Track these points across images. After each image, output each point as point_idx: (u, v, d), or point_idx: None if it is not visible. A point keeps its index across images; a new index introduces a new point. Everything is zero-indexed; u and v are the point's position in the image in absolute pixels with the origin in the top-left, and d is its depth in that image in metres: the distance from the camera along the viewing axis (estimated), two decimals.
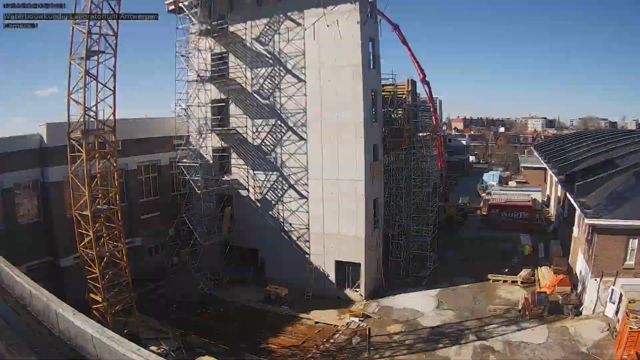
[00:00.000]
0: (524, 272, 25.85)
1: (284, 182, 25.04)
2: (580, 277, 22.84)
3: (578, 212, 22.98)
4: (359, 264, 23.56)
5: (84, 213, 16.90)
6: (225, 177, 26.98)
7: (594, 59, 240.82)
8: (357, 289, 23.78)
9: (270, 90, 24.80)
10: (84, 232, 17.09)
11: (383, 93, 26.86)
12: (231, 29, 25.64)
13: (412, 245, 27.30)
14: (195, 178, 25.28)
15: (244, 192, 26.55)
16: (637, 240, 19.99)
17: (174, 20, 25.57)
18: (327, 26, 22.53)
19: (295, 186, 24.69)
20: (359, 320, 21.17)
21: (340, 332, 20.29)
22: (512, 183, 54.90)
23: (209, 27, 25.19)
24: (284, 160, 24.87)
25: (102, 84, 16.58)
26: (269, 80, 24.79)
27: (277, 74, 24.50)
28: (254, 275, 26.49)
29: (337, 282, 24.28)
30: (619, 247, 20.11)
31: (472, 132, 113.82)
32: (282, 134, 24.72)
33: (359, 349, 18.72)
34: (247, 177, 26.30)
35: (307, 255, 24.73)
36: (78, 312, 10.57)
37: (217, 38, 25.92)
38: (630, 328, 16.10)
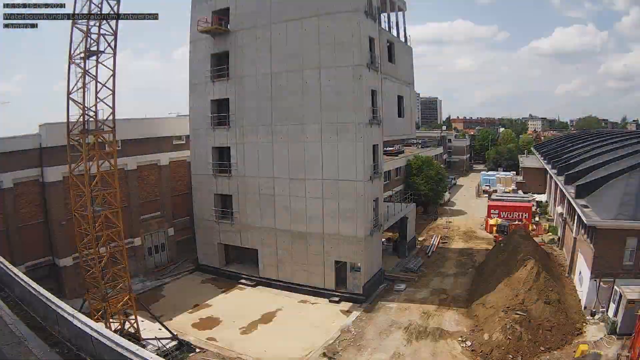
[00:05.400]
0: None
1: (283, 182, 25.01)
2: (580, 277, 22.84)
3: (578, 212, 22.97)
4: (359, 265, 23.57)
5: (84, 213, 16.91)
6: (226, 177, 27.03)
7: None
8: (357, 289, 23.77)
9: (271, 90, 24.77)
10: (83, 232, 17.10)
11: None
12: (231, 28, 25.68)
13: None
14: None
15: (244, 192, 26.53)
16: (636, 241, 20.02)
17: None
18: (327, 26, 22.55)
19: (295, 186, 24.67)
20: None
21: None
22: (511, 181, 55.06)
23: (209, 27, 25.30)
24: (283, 160, 24.85)
25: (101, 83, 16.59)
26: (269, 80, 24.75)
27: (277, 74, 24.48)
28: (253, 273, 26.52)
29: (336, 282, 24.30)
30: (618, 247, 20.13)
31: (472, 133, 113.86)
32: (282, 134, 24.70)
33: None
34: (248, 177, 26.28)
35: (306, 255, 24.72)
36: (78, 312, 10.57)
37: (217, 38, 26.00)
38: None
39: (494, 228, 36.29)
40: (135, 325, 18.46)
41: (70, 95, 16.48)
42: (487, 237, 35.95)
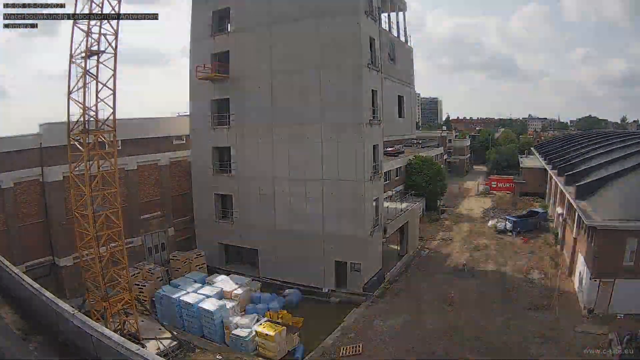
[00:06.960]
0: None
1: (283, 182, 25.00)
2: (580, 278, 22.83)
3: (578, 212, 22.96)
4: (360, 264, 23.56)
5: (84, 213, 16.90)
6: (226, 177, 27.03)
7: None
8: (358, 290, 23.76)
9: (271, 90, 24.76)
10: (84, 231, 17.10)
11: None
12: (231, 27, 25.69)
13: None
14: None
15: (244, 192, 26.53)
16: (635, 241, 20.01)
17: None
18: (328, 26, 22.55)
19: (295, 186, 24.66)
20: None
21: None
22: None
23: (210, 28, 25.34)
24: (284, 160, 24.83)
25: (102, 83, 16.58)
26: (270, 80, 24.74)
27: (278, 74, 24.47)
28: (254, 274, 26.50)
29: (337, 282, 24.28)
30: (618, 247, 20.13)
31: (473, 133, 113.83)
32: (283, 133, 24.68)
33: None
34: (248, 176, 26.28)
35: (306, 256, 24.70)
36: (78, 311, 10.56)
37: (217, 38, 26.02)
38: None
39: None
40: (135, 325, 18.46)
41: (71, 95, 16.49)
42: None
